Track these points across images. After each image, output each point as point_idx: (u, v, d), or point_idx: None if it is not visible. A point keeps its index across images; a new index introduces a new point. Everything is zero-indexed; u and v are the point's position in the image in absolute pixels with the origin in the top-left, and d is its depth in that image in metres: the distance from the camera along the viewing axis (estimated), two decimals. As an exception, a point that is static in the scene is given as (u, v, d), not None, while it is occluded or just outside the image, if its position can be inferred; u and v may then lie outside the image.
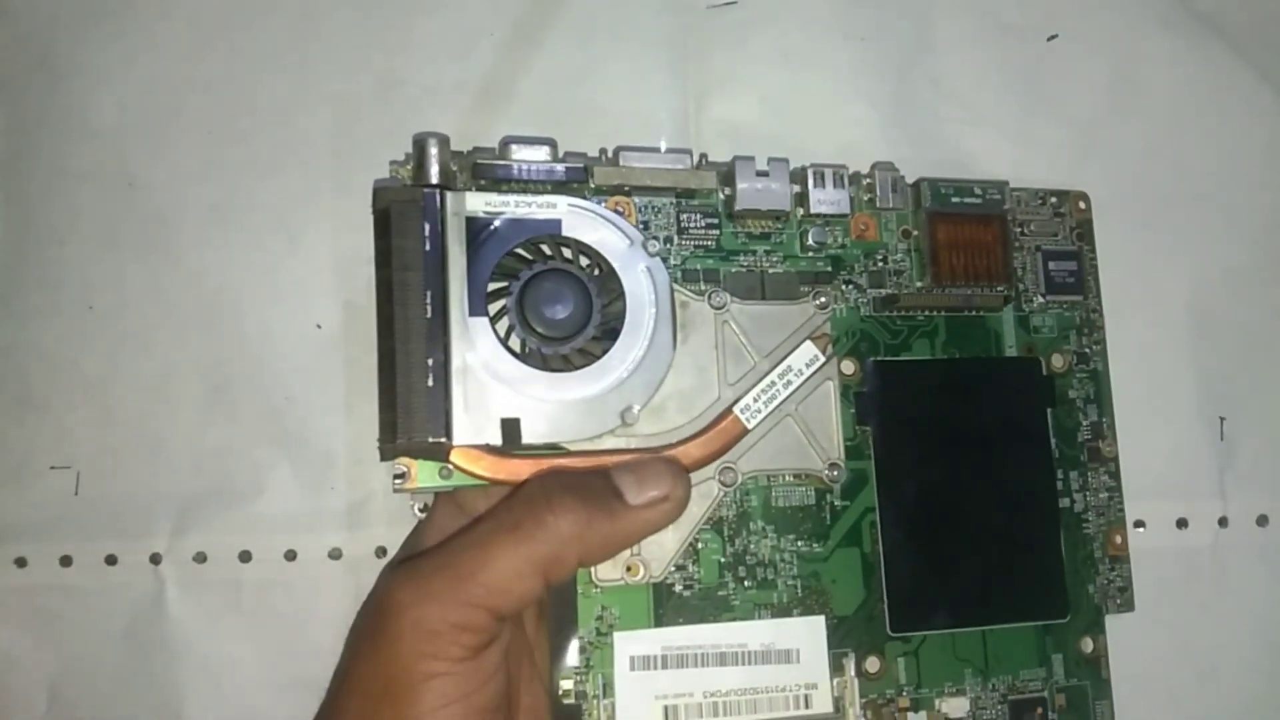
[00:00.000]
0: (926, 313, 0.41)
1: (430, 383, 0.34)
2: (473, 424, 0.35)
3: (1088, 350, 0.43)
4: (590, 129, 0.40)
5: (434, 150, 0.36)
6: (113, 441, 0.41)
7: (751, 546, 0.38)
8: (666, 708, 0.36)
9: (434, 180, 0.36)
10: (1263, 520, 0.45)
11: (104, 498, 0.40)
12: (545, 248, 0.37)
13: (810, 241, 0.40)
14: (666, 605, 0.37)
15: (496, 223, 0.36)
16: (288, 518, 0.41)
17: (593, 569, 0.36)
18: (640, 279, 0.37)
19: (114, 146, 0.41)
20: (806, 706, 0.37)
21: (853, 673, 0.38)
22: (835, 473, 0.39)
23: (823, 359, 0.39)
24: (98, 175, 0.41)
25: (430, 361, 0.34)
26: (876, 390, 0.40)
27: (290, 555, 0.41)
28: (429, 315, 0.35)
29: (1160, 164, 0.45)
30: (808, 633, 0.38)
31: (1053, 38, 0.45)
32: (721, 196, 0.40)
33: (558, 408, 0.36)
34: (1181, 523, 0.44)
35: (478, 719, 0.32)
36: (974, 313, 0.42)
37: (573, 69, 0.42)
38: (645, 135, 0.40)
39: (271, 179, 0.41)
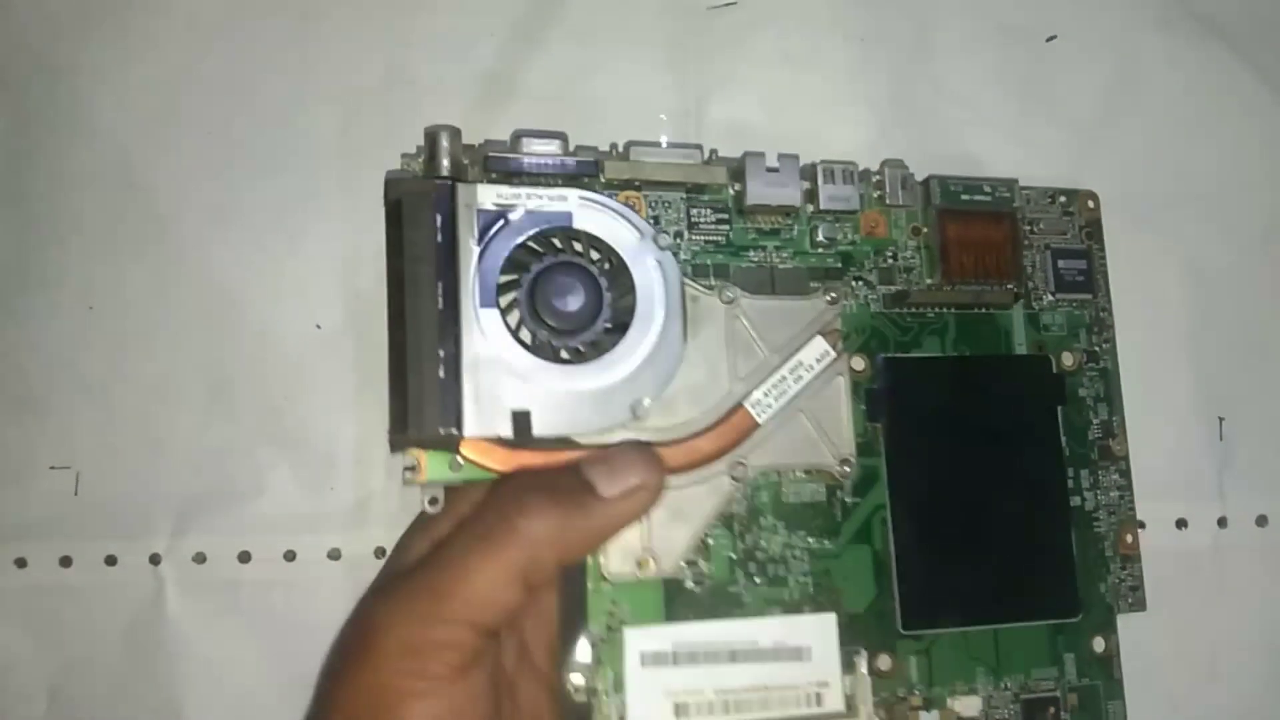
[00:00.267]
0: (936, 310, 0.41)
1: (441, 374, 0.34)
2: (483, 416, 0.35)
3: (1098, 349, 0.43)
4: (591, 129, 0.39)
5: (445, 143, 0.36)
6: (112, 442, 0.41)
7: (762, 543, 0.38)
8: (677, 705, 0.36)
9: (445, 172, 0.36)
10: (1262, 520, 0.45)
11: (104, 498, 0.40)
12: (556, 241, 0.37)
13: (820, 237, 0.40)
14: (677, 601, 0.37)
15: (507, 215, 0.36)
16: (287, 518, 0.41)
17: (603, 564, 0.36)
18: (651, 272, 0.37)
19: (114, 146, 0.41)
20: (819, 705, 0.37)
21: (865, 670, 0.38)
22: (847, 468, 0.38)
23: (833, 354, 0.39)
24: (98, 175, 0.41)
25: (441, 353, 0.34)
26: (887, 387, 0.40)
27: (290, 556, 0.41)
28: (440, 307, 0.34)
29: (1160, 164, 0.46)
30: (819, 630, 0.38)
31: (1052, 38, 0.45)
32: (731, 192, 0.40)
33: (568, 400, 0.36)
34: (1181, 523, 0.44)
35: None
36: (984, 310, 0.42)
37: (573, 69, 0.42)
38: (646, 136, 0.39)
39: (272, 179, 0.41)
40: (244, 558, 0.41)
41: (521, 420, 0.35)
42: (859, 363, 0.40)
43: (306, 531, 0.41)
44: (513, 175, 0.37)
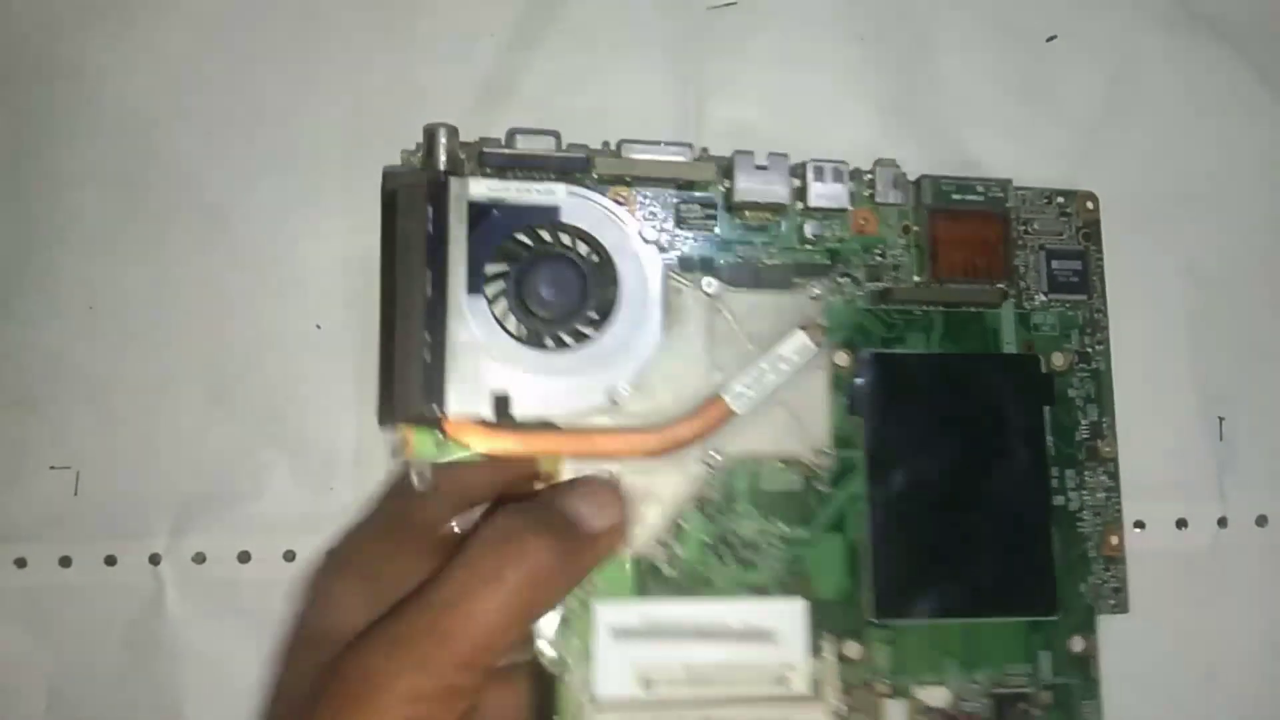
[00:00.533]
0: (924, 308, 0.42)
1: (427, 356, 0.36)
2: (466, 397, 0.37)
3: (1090, 350, 0.43)
4: (591, 130, 0.40)
5: (443, 140, 0.38)
6: (112, 442, 0.41)
7: (736, 528, 0.39)
8: (644, 678, 0.37)
9: (442, 167, 0.38)
10: (1262, 521, 0.45)
11: (103, 498, 0.41)
12: (544, 233, 0.39)
13: (808, 234, 0.41)
14: (648, 579, 0.38)
15: (498, 208, 0.38)
16: (287, 518, 0.41)
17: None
18: (635, 265, 0.39)
19: (114, 146, 0.42)
20: (784, 686, 0.38)
21: (832, 656, 0.39)
22: (823, 460, 0.40)
23: (814, 348, 0.40)
24: (98, 175, 0.42)
25: (428, 336, 0.36)
26: (870, 381, 0.41)
27: (289, 556, 0.41)
28: (429, 293, 0.37)
29: (1160, 164, 0.45)
30: (788, 614, 0.39)
31: (1052, 38, 0.45)
32: (722, 189, 0.41)
33: (548, 386, 0.38)
34: (1181, 523, 0.44)
35: None
36: (972, 309, 0.42)
37: (573, 70, 0.43)
38: (646, 136, 0.40)
39: (272, 179, 0.42)
40: (244, 558, 0.41)
41: (502, 402, 0.37)
42: (842, 357, 0.41)
43: (306, 532, 0.41)
44: (505, 169, 0.39)
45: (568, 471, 0.38)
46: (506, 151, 0.39)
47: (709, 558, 0.39)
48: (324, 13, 0.43)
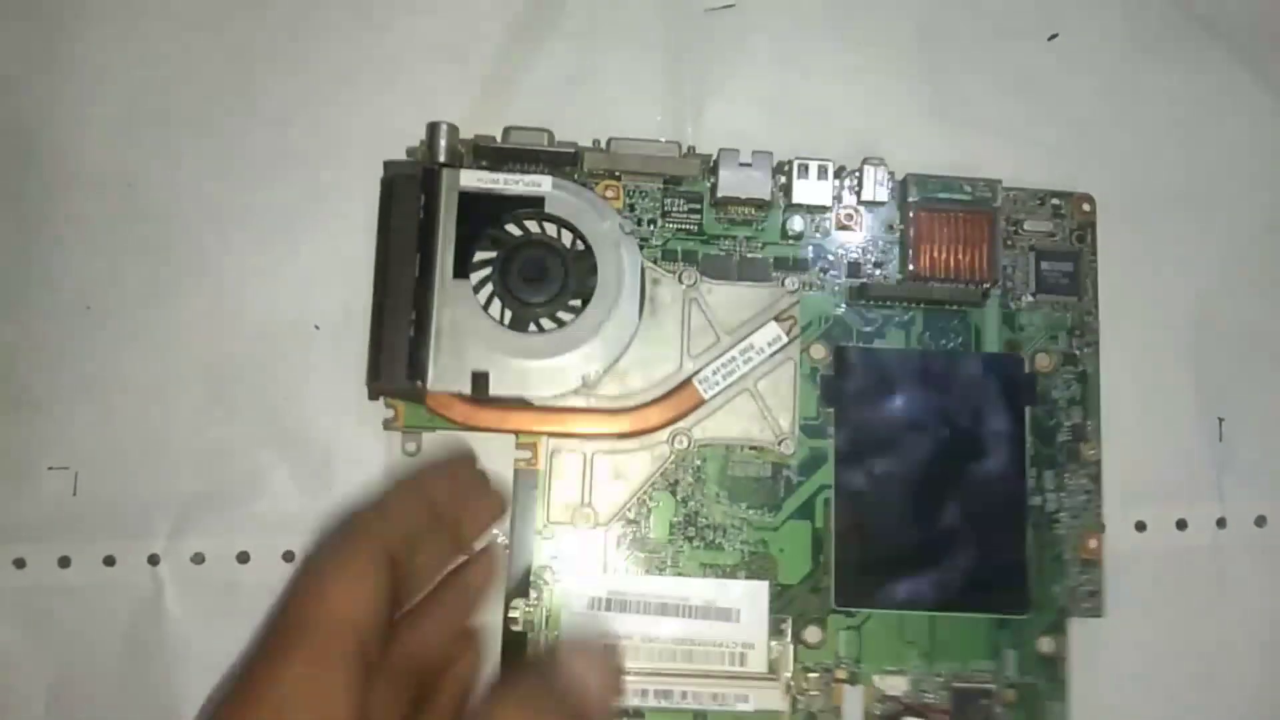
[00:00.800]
0: (905, 304, 0.42)
1: (411, 334, 0.39)
2: (447, 373, 0.39)
3: (1077, 352, 0.43)
4: (587, 130, 0.42)
5: (444, 137, 0.41)
6: (111, 442, 0.41)
7: (703, 510, 0.41)
8: (606, 647, 0.39)
9: (442, 160, 0.41)
10: (1261, 521, 0.43)
11: (102, 498, 0.41)
12: (529, 222, 0.41)
13: (790, 230, 0.42)
14: (615, 554, 0.40)
15: (486, 198, 0.41)
16: (286, 518, 0.41)
17: (546, 513, 0.40)
18: (614, 255, 0.41)
19: (114, 146, 0.42)
20: (741, 664, 0.40)
21: (791, 640, 0.40)
22: (787, 448, 0.41)
23: (785, 339, 0.41)
24: (97, 175, 0.42)
25: (413, 315, 0.39)
26: (843, 373, 0.41)
27: (289, 556, 0.41)
28: (416, 275, 0.39)
29: (1160, 164, 0.44)
30: (749, 595, 0.40)
31: (1053, 37, 0.44)
32: (707, 184, 0.43)
33: (526, 366, 0.40)
34: (1181, 524, 0.43)
35: None
36: (954, 306, 0.42)
37: (571, 71, 0.44)
38: (644, 136, 0.42)
39: (271, 179, 0.42)
40: (243, 558, 0.41)
41: (480, 380, 0.40)
42: (819, 350, 0.42)
43: (305, 532, 0.40)
44: (499, 163, 0.42)
45: (544, 451, 0.40)
46: (498, 145, 0.41)
47: (676, 536, 0.40)
48: (323, 13, 0.44)
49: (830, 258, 0.43)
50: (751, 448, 0.41)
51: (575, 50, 0.44)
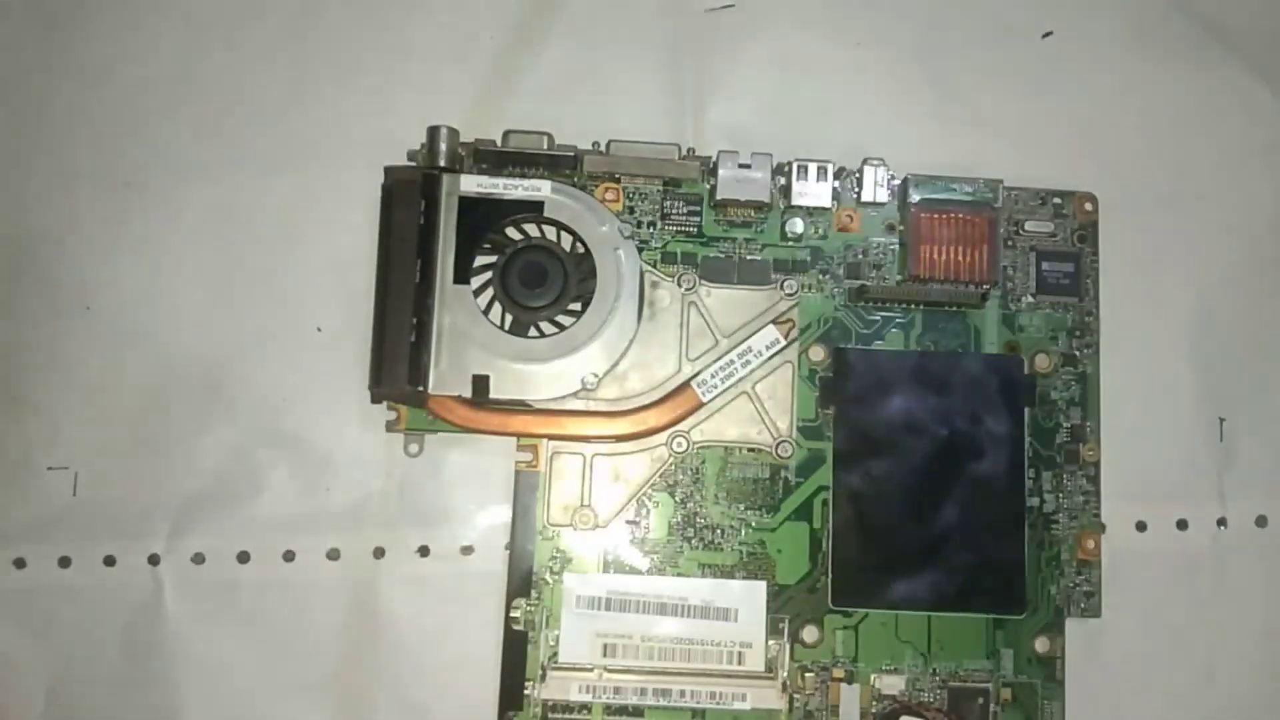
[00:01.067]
0: (904, 305, 0.42)
1: (413, 339, 0.40)
2: (448, 377, 0.40)
3: (1077, 353, 0.43)
4: (588, 131, 0.42)
5: (444, 140, 0.41)
6: (111, 442, 0.41)
7: (702, 510, 0.41)
8: (605, 645, 0.40)
9: (442, 164, 0.41)
10: (1261, 521, 0.44)
11: (102, 499, 0.41)
12: (529, 227, 0.42)
13: (790, 231, 0.42)
14: (615, 554, 0.41)
15: (486, 202, 0.41)
16: (286, 518, 0.41)
17: (547, 514, 0.40)
18: (613, 258, 0.41)
19: (113, 146, 0.42)
20: (739, 663, 0.40)
21: (789, 639, 0.40)
22: (785, 450, 0.41)
23: (783, 342, 0.41)
24: (96, 175, 0.42)
25: (414, 321, 0.40)
26: (841, 375, 0.42)
27: (288, 556, 0.41)
28: (417, 280, 0.40)
29: (1160, 164, 0.44)
30: (748, 595, 0.41)
31: (1047, 34, 0.44)
32: (706, 186, 0.43)
33: (526, 370, 0.40)
34: (1181, 524, 0.43)
35: None
36: (954, 308, 0.42)
37: (571, 71, 0.44)
38: (644, 137, 0.42)
39: (271, 179, 0.42)
40: (243, 558, 0.41)
41: (480, 384, 0.40)
42: (818, 352, 0.42)
43: (305, 532, 0.41)
44: (499, 167, 0.42)
45: (544, 454, 0.41)
46: (498, 149, 0.41)
47: (675, 537, 0.41)
48: (323, 14, 0.44)
49: (830, 260, 0.43)
50: (750, 449, 0.41)
51: (575, 51, 0.44)
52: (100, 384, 0.42)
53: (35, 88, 0.43)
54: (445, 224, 0.41)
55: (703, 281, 0.42)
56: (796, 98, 0.45)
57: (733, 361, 0.41)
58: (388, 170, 0.41)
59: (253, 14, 0.44)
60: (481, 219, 0.41)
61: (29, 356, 0.42)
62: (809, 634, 0.41)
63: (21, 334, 0.42)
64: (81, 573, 0.41)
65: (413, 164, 0.42)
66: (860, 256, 0.43)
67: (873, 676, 0.41)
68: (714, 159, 0.42)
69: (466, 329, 0.40)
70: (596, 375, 0.40)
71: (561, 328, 0.41)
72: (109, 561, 0.41)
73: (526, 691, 0.40)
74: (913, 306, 0.43)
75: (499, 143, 0.42)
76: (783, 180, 0.42)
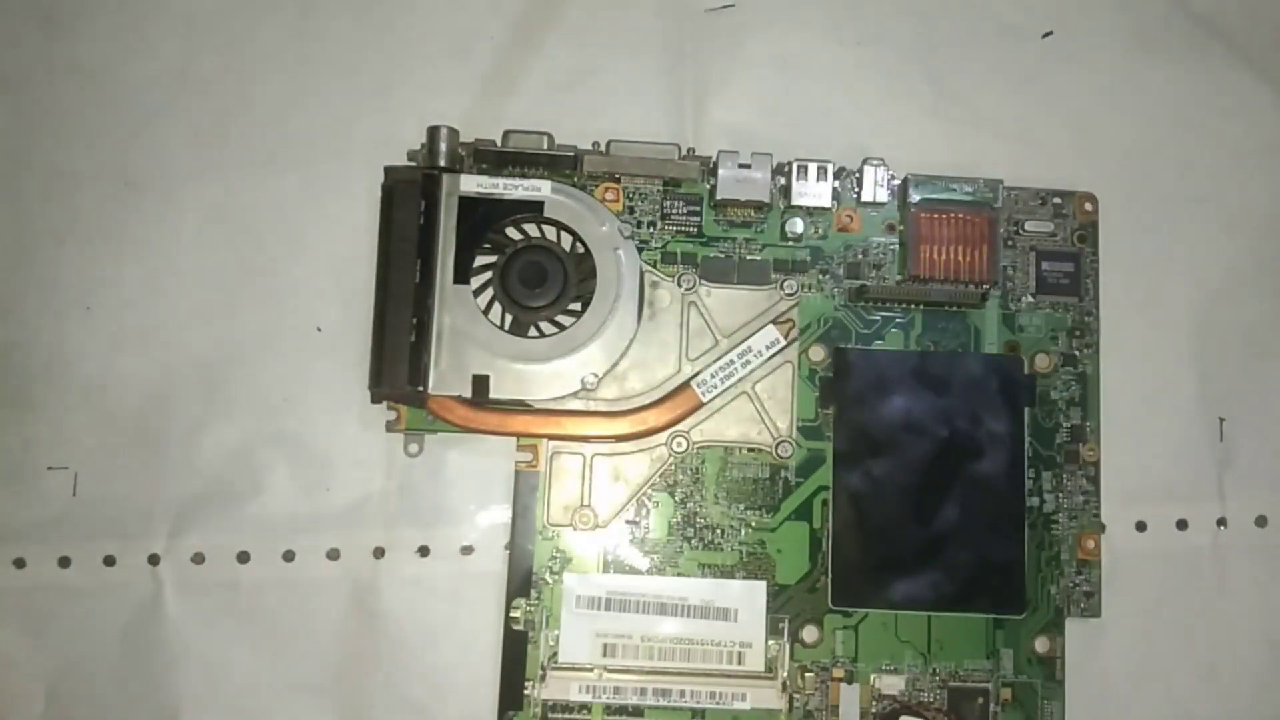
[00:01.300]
0: (904, 305, 0.42)
1: (413, 339, 0.40)
2: (448, 377, 0.40)
3: (1077, 353, 0.43)
4: (588, 131, 0.42)
5: (444, 139, 0.41)
6: (111, 442, 0.41)
7: (702, 510, 0.41)
8: (605, 645, 0.40)
9: (442, 164, 0.41)
10: (1261, 521, 0.44)
11: (102, 498, 0.41)
12: (529, 227, 0.42)
13: (790, 231, 0.42)
14: (615, 554, 0.41)
15: (486, 202, 0.41)
16: (286, 518, 0.41)
17: (547, 515, 0.41)
18: (613, 259, 0.41)
19: (112, 146, 0.42)
20: (739, 663, 0.40)
21: (788, 639, 0.40)
22: (785, 450, 0.41)
23: (783, 342, 0.41)
24: (96, 175, 0.42)
25: (414, 321, 0.40)
26: (841, 375, 0.42)
27: (288, 556, 0.41)
28: (417, 280, 0.40)
29: (1160, 164, 0.44)
30: (748, 595, 0.41)
31: (1047, 34, 0.44)
32: (706, 186, 0.43)
33: (525, 370, 0.40)
34: (1181, 524, 0.43)
35: None
36: (954, 307, 0.42)
37: (571, 72, 0.44)
38: (644, 137, 0.42)
39: (271, 179, 0.42)
40: (243, 558, 0.41)
41: (480, 384, 0.40)
42: (818, 352, 0.42)
43: (305, 532, 0.41)
44: (499, 167, 0.42)
45: (544, 453, 0.41)
46: (498, 149, 0.41)
47: (675, 537, 0.41)
48: (323, 14, 0.44)
49: (830, 260, 0.43)
50: (750, 449, 0.41)
51: (575, 51, 0.44)
52: (100, 384, 0.42)
53: (35, 88, 0.43)
54: (445, 224, 0.41)
55: (703, 281, 0.42)
56: (796, 98, 0.45)
57: (733, 361, 0.41)
58: (388, 170, 0.41)
59: (253, 14, 0.44)
60: (481, 219, 0.41)
61: (29, 356, 0.42)
62: (809, 634, 0.41)
63: (21, 334, 0.42)
64: (81, 573, 0.41)
65: (413, 164, 0.42)
66: (860, 256, 0.43)
67: (872, 676, 0.41)
68: (714, 159, 0.42)
69: (466, 329, 0.40)
70: (596, 375, 0.40)
71: (561, 328, 0.41)
72: (109, 561, 0.41)
73: (526, 691, 0.40)
74: (913, 306, 0.43)
75: (499, 143, 0.42)
76: (783, 180, 0.42)
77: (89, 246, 0.42)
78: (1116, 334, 0.43)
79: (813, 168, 0.42)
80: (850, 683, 0.41)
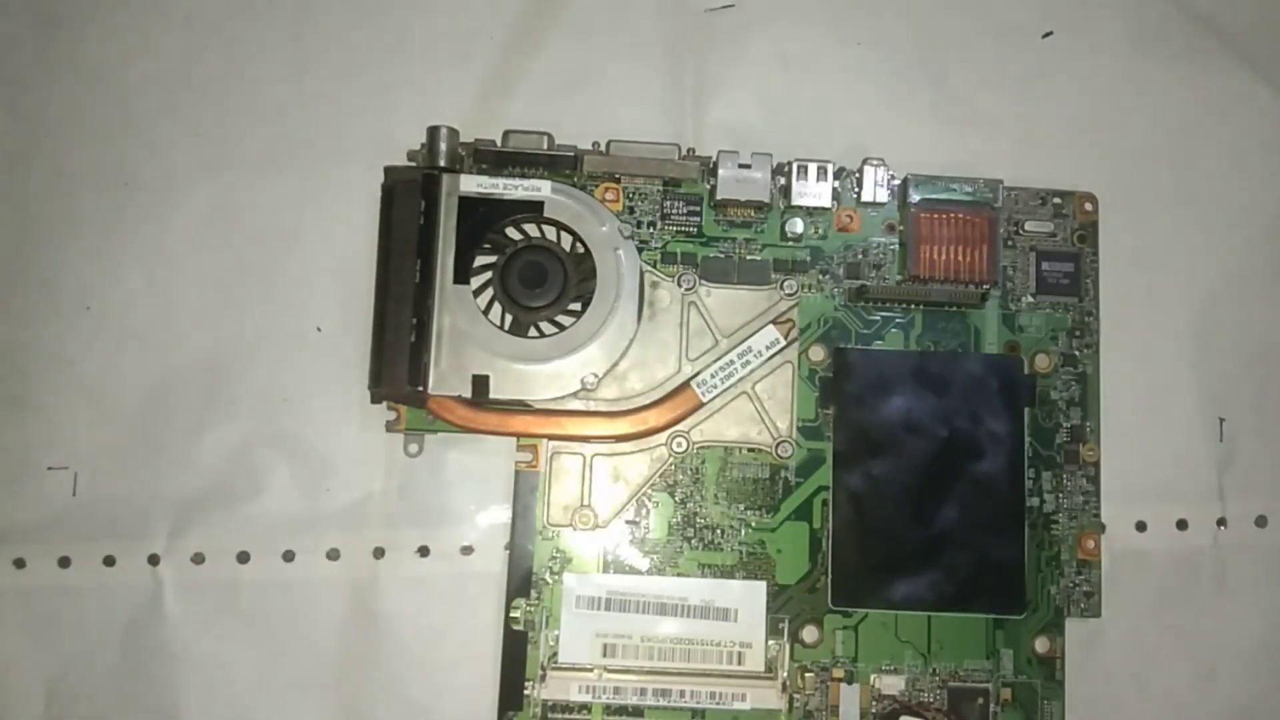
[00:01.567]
0: (904, 305, 0.42)
1: (413, 339, 0.40)
2: (448, 377, 0.40)
3: (1077, 353, 0.43)
4: (588, 131, 0.42)
5: (443, 139, 0.41)
6: (111, 442, 0.41)
7: (702, 511, 0.41)
8: (605, 645, 0.40)
9: (442, 164, 0.41)
10: (1261, 521, 0.44)
11: (102, 499, 0.41)
12: (529, 227, 0.42)
13: (790, 231, 0.42)
14: (615, 554, 0.41)
15: (486, 202, 0.41)
16: (286, 518, 0.41)
17: (547, 515, 0.41)
18: (613, 259, 0.41)
19: (112, 146, 0.42)
20: (739, 663, 0.40)
21: (788, 639, 0.40)
22: (785, 450, 0.41)
23: (783, 342, 0.41)
24: (96, 175, 0.42)
25: (414, 321, 0.40)
26: (841, 375, 0.42)
27: (288, 556, 0.41)
28: (417, 281, 0.40)
29: (1160, 164, 0.44)
30: (748, 595, 0.41)
31: (1047, 35, 0.44)
32: (706, 186, 0.43)
33: (525, 370, 0.40)
34: (1181, 524, 0.43)
35: None
36: (954, 307, 0.42)
37: (571, 71, 0.44)
38: (644, 137, 0.42)
39: (270, 179, 0.43)
40: (243, 558, 0.41)
41: (480, 384, 0.40)
42: (817, 352, 0.42)
43: (305, 532, 0.41)
44: (499, 167, 0.42)
45: (544, 454, 0.41)
46: (498, 149, 0.41)
47: (675, 537, 0.41)
48: (323, 14, 0.44)
49: (830, 260, 0.43)
50: (750, 449, 0.41)
51: (575, 51, 0.44)
52: (100, 384, 0.42)
53: (35, 88, 0.43)
54: (445, 224, 0.41)
55: (703, 281, 0.42)
56: (796, 98, 0.45)
57: (733, 361, 0.41)
58: (388, 170, 0.41)
59: (253, 14, 0.44)
60: (481, 219, 0.41)
61: (29, 356, 0.42)
62: (809, 634, 0.41)
63: (22, 334, 0.42)
64: (81, 573, 0.41)
65: (413, 164, 0.42)
66: (860, 256, 0.43)
67: (872, 676, 0.41)
68: (714, 159, 0.42)
69: (466, 329, 0.40)
70: (596, 375, 0.40)
71: (561, 328, 0.41)
72: (109, 561, 0.41)
73: (526, 691, 0.40)
74: (913, 306, 0.43)
75: (499, 143, 0.42)
76: (783, 180, 0.42)
77: (89, 246, 0.42)
78: (1116, 334, 0.43)
79: (813, 168, 0.42)
80: (850, 683, 0.41)
